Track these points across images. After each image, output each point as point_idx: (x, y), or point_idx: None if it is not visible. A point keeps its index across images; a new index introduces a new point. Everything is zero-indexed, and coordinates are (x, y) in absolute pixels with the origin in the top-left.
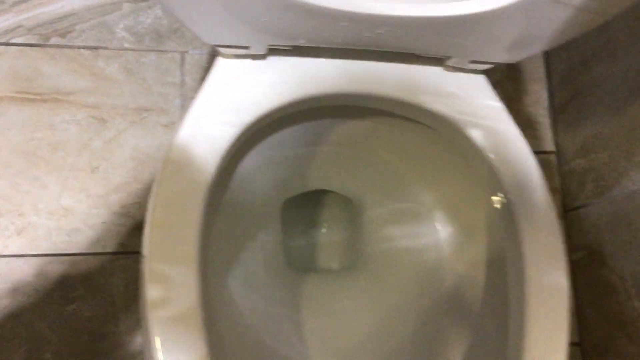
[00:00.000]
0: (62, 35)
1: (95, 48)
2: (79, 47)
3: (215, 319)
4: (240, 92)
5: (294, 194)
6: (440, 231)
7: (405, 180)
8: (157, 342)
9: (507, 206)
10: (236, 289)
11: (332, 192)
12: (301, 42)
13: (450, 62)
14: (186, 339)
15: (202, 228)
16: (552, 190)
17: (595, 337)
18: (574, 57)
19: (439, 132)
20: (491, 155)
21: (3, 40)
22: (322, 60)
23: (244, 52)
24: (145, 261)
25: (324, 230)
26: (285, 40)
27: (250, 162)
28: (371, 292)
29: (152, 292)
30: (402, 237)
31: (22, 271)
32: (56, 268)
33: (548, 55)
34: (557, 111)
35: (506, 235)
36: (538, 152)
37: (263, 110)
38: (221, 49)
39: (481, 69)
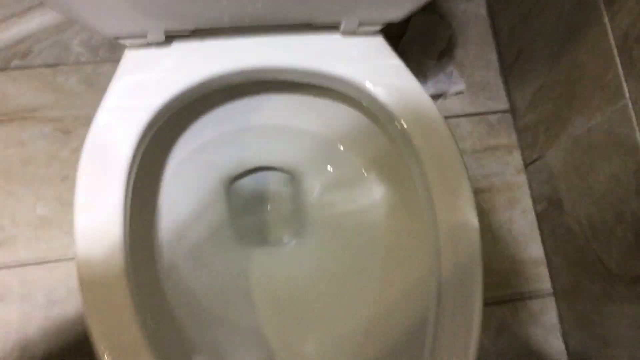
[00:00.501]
0: (22, 58)
1: (54, 65)
2: (39, 67)
3: (163, 294)
4: (147, 78)
5: (233, 173)
6: (374, 191)
7: (335, 147)
8: None
9: (416, 152)
10: (184, 266)
11: (272, 168)
12: (193, 25)
13: (343, 28)
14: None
15: (124, 208)
16: (511, 147)
17: (564, 282)
18: (515, 15)
19: (350, 95)
20: (396, 110)
21: None
22: (223, 40)
23: (144, 40)
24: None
25: (269, 206)
26: (177, 24)
27: (184, 147)
28: (319, 257)
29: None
30: (342, 202)
31: (7, 281)
32: (39, 275)
33: (493, 18)
34: (506, 70)
35: (420, 182)
36: (495, 112)
37: (171, 93)
38: (122, 41)
39: (373, 30)
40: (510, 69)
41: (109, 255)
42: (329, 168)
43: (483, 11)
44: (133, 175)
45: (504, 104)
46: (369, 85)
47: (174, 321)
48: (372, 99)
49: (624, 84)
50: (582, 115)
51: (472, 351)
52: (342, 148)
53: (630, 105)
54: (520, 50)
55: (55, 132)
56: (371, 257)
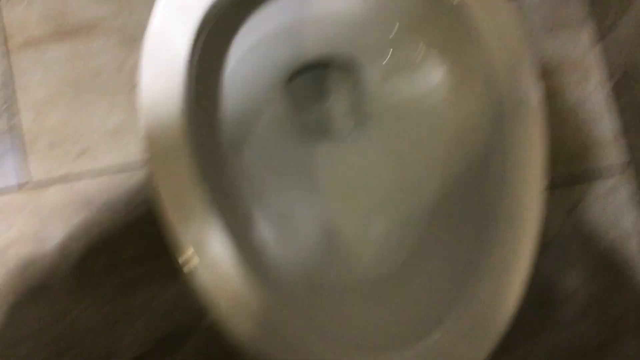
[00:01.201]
0: None
1: None
2: None
3: (236, 187)
4: None
5: (292, 68)
6: (434, 73)
7: (392, 29)
8: None
9: (474, 25)
10: (252, 158)
11: (332, 63)
12: None
13: None
14: None
15: (186, 103)
16: (585, 16)
17: None
18: None
19: None
20: None
21: None
22: None
23: None
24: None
25: (329, 100)
26: None
27: (243, 41)
28: (381, 147)
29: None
30: (402, 88)
31: (93, 187)
32: (122, 180)
33: None
34: None
35: (479, 58)
36: None
37: None
38: None
39: None
40: None
41: (174, 140)
42: (388, 53)
43: None
44: (194, 72)
45: None
46: None
47: (241, 207)
48: None
49: None
50: None
51: (535, 222)
52: (399, 29)
53: None
54: None
55: (121, 41)
56: (433, 142)
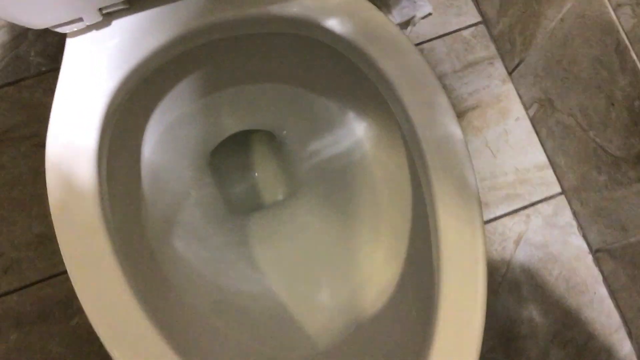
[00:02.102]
0: None
1: (17, 82)
2: (1, 87)
3: (168, 278)
4: (93, 63)
5: (214, 143)
6: (355, 129)
7: (309, 95)
8: None
9: (384, 76)
10: (183, 246)
11: (252, 131)
12: None
13: None
14: None
15: (99, 190)
16: (491, 58)
17: (571, 179)
18: None
19: (308, 36)
20: (354, 38)
21: None
22: (165, 7)
23: (82, 24)
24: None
25: (256, 169)
26: None
27: (156, 127)
28: (315, 208)
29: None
30: (326, 147)
31: (19, 304)
32: (49, 291)
33: None
34: None
35: (393, 104)
36: (467, 27)
37: (124, 72)
38: (59, 29)
39: None
40: None
41: (97, 249)
42: (306, 117)
43: None
44: (104, 167)
45: (475, 17)
46: (321, 20)
47: (178, 297)
48: (329, 32)
49: None
50: (552, 7)
51: (481, 263)
52: (315, 94)
53: None
54: None
55: (33, 147)
56: (365, 195)
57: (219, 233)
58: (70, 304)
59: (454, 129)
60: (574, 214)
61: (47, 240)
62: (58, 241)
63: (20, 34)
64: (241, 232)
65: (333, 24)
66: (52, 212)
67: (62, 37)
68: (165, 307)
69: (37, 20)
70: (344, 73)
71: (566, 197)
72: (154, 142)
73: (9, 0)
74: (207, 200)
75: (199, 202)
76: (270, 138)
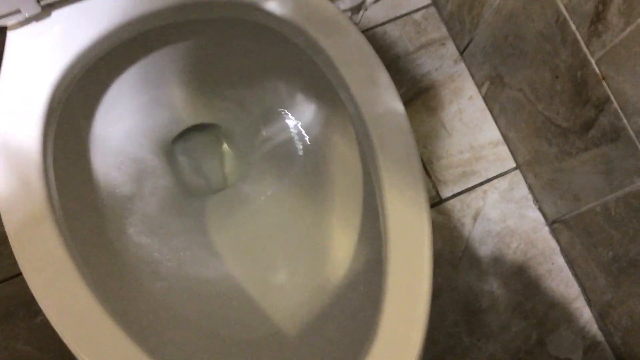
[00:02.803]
0: None
1: None
2: None
3: (127, 267)
4: (34, 55)
5: (168, 135)
6: (305, 112)
7: (257, 82)
8: None
9: (324, 55)
10: (140, 235)
11: (205, 124)
12: None
13: None
14: None
15: (50, 204)
16: (442, 39)
17: (524, 153)
18: None
19: (249, 20)
20: (293, 16)
21: None
22: None
23: (21, 16)
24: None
25: (209, 158)
26: None
27: (104, 119)
28: (267, 191)
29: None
30: (274, 135)
31: None
32: (12, 290)
33: None
34: None
35: (336, 83)
36: (418, 10)
37: (65, 64)
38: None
39: None
40: None
41: (47, 243)
42: (256, 104)
43: None
44: (51, 165)
45: (425, 0)
46: (261, 2)
47: (137, 285)
48: (269, 14)
49: None
50: None
51: (427, 236)
52: (264, 80)
53: None
54: None
55: None
56: (318, 176)
57: (175, 221)
58: (33, 302)
59: (396, 105)
60: (529, 187)
61: (7, 241)
62: (8, 237)
63: None
64: (197, 219)
65: (273, 6)
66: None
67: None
68: (125, 296)
69: None
70: (289, 56)
71: (521, 171)
72: (105, 134)
73: None
74: (162, 190)
75: (155, 192)
76: (221, 128)
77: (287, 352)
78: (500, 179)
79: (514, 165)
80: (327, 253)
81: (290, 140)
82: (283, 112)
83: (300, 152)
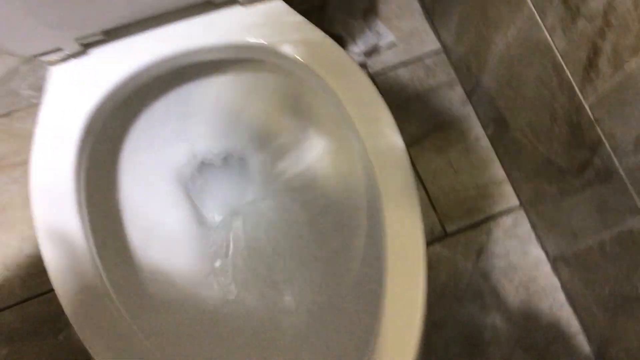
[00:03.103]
0: None
1: (9, 113)
2: None
3: (146, 287)
4: (72, 90)
5: (191, 167)
6: (316, 146)
7: (273, 117)
8: None
9: (335, 94)
10: (161, 258)
11: (226, 155)
12: (98, 27)
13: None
14: None
15: (81, 223)
16: (451, 82)
17: (527, 192)
18: None
19: (266, 61)
20: (306, 60)
21: None
22: (136, 36)
23: (62, 54)
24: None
25: (229, 189)
26: (82, 29)
27: (132, 151)
28: (283, 222)
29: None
30: (291, 165)
31: (10, 321)
32: (37, 308)
33: None
34: (430, 13)
35: (343, 120)
36: (429, 55)
37: (98, 98)
38: (43, 58)
39: None
40: (433, 10)
41: (81, 266)
42: (272, 139)
43: None
44: (83, 186)
45: (435, 45)
46: (277, 45)
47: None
48: (283, 57)
49: None
50: (499, 33)
51: (421, 251)
52: (279, 116)
53: (533, 9)
54: None
55: (24, 174)
56: (326, 204)
57: (194, 246)
58: (58, 320)
59: (396, 140)
60: (532, 224)
61: (36, 261)
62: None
63: (12, 69)
64: (217, 244)
65: (289, 49)
66: (34, 219)
67: None
68: (142, 311)
69: (20, 48)
70: (303, 95)
71: (524, 209)
72: (131, 165)
73: None
74: (183, 218)
75: (177, 220)
76: (241, 160)
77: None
78: (504, 216)
79: (517, 203)
80: (331, 269)
81: (303, 172)
82: (297, 146)
83: (313, 184)
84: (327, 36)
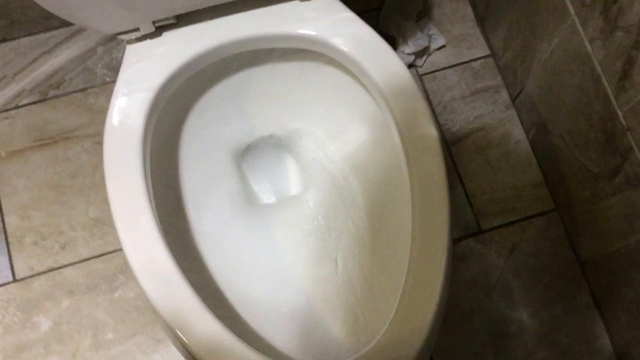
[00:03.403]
0: (57, 87)
1: (85, 89)
2: (72, 92)
3: (196, 249)
4: (145, 65)
5: (243, 145)
6: (359, 134)
7: (322, 105)
8: None
9: (377, 86)
10: (212, 226)
11: (276, 136)
12: (173, 12)
13: None
14: None
15: (145, 184)
16: (497, 86)
17: (562, 196)
18: None
19: (318, 52)
20: (353, 53)
21: (13, 105)
22: (204, 23)
23: (138, 34)
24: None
25: (276, 167)
26: (158, 13)
27: (193, 122)
28: (323, 203)
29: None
30: (335, 151)
31: (73, 276)
32: (99, 266)
33: None
34: (482, 19)
35: (385, 110)
36: (477, 59)
37: (167, 73)
38: (121, 37)
39: None
40: (484, 17)
41: (141, 220)
42: (320, 125)
43: None
44: (149, 147)
45: (484, 51)
46: (327, 37)
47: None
48: (333, 48)
49: (567, 2)
50: (544, 41)
51: (444, 232)
52: (328, 104)
53: (576, 20)
54: None
55: (94, 145)
56: (365, 187)
57: (243, 219)
58: (115, 279)
59: (431, 130)
60: (565, 228)
61: (100, 223)
62: (109, 203)
63: (90, 50)
64: (262, 219)
65: (337, 42)
66: (106, 179)
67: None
68: (191, 270)
69: (102, 27)
70: (348, 85)
71: (559, 212)
72: (192, 134)
73: (84, 11)
74: (233, 190)
75: (227, 191)
76: (288, 142)
77: None
78: (539, 217)
79: (553, 206)
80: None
81: (345, 158)
82: (340, 132)
83: (353, 166)
84: (375, 32)
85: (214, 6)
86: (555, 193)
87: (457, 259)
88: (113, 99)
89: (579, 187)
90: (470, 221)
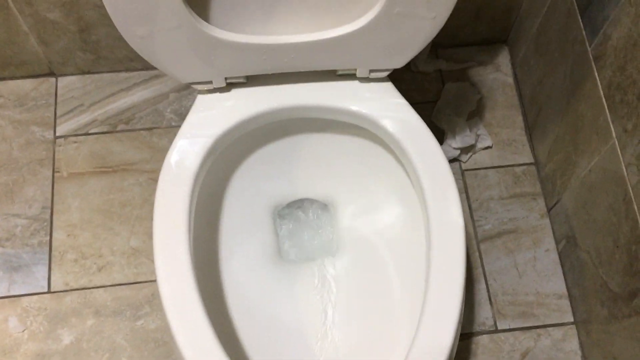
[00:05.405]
0: (126, 122)
1: (151, 129)
2: (139, 129)
3: (222, 290)
4: (211, 114)
5: (283, 203)
6: (393, 211)
7: (363, 178)
8: None
9: (415, 170)
10: (240, 272)
11: (311, 198)
12: (244, 73)
13: (358, 74)
14: None
15: (188, 220)
16: (535, 194)
17: (582, 311)
18: (535, 79)
19: (366, 129)
20: (398, 135)
21: (84, 131)
22: (270, 86)
23: (210, 86)
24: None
25: (308, 230)
26: (231, 72)
27: (242, 174)
28: (350, 269)
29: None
30: (369, 223)
31: (103, 298)
32: (128, 293)
33: (518, 84)
34: (530, 128)
35: (419, 192)
36: (520, 165)
37: (229, 124)
38: (195, 86)
39: (382, 76)
40: (533, 126)
41: (178, 253)
42: (359, 197)
43: (510, 79)
44: (198, 188)
45: (528, 158)
46: (377, 118)
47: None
48: (381, 128)
49: (611, 126)
50: (585, 158)
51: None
52: (370, 179)
53: (616, 143)
54: (540, 109)
55: (149, 180)
56: (391, 264)
57: (269, 271)
58: (141, 308)
59: (457, 218)
60: (580, 343)
61: (138, 253)
62: (153, 229)
63: (163, 94)
64: (286, 276)
65: (386, 124)
66: (154, 207)
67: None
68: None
69: (181, 75)
70: (390, 163)
71: (576, 326)
72: (239, 184)
73: (168, 59)
74: (266, 243)
75: (260, 242)
76: (325, 207)
77: None
78: (555, 328)
79: (571, 319)
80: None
81: (377, 233)
82: (376, 206)
83: (382, 244)
84: (422, 121)
85: (281, 73)
86: (575, 307)
87: (467, 353)
88: (176, 139)
89: (598, 305)
90: (488, 318)
